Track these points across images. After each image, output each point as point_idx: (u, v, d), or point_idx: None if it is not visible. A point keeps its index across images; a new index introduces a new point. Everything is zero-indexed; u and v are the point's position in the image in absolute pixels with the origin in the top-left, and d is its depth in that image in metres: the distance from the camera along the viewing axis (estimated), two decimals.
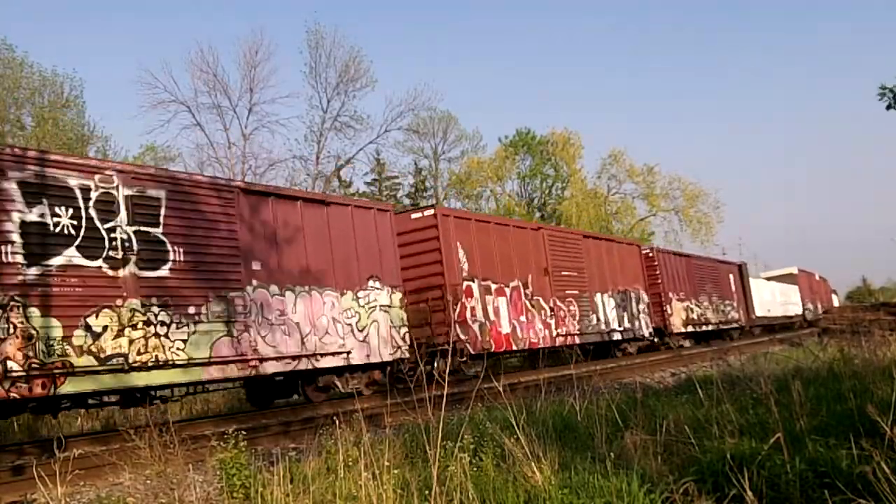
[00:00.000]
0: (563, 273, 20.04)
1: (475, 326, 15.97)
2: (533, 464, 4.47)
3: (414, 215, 16.36)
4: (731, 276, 34.28)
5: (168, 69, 53.94)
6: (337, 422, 5.50)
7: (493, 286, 16.99)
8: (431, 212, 16.22)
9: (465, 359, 15.44)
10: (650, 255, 26.26)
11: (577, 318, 20.23)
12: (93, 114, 54.24)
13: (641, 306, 24.15)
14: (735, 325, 33.45)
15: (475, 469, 4.77)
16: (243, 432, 5.80)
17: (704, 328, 29.45)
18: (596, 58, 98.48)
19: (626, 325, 22.80)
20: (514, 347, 17.35)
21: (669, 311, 26.08)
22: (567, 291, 19.94)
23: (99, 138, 29.72)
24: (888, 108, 7.92)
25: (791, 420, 5.33)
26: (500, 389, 6.27)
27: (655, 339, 25.65)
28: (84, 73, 64.73)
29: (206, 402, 17.13)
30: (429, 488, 4.20)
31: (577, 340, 19.70)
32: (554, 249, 19.87)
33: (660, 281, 25.88)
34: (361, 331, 13.28)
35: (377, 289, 13.76)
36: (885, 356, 8.47)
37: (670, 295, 26.43)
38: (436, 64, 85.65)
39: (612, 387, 11.72)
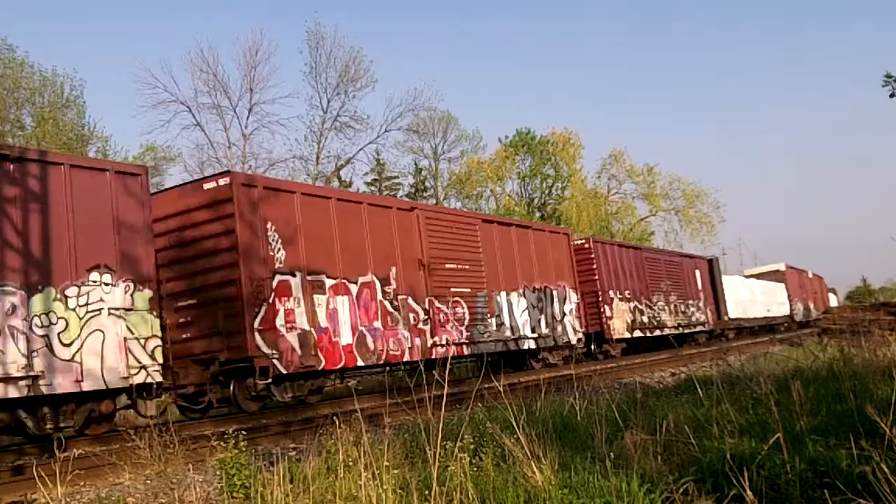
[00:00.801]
0: (448, 266, 15.88)
1: (292, 336, 12.09)
2: (533, 464, 4.47)
3: (206, 185, 12.16)
4: (696, 273, 30.42)
5: (168, 69, 54.12)
6: (337, 422, 5.50)
7: (329, 282, 12.98)
8: (226, 180, 11.92)
9: (268, 380, 11.56)
10: (585, 246, 22.60)
11: (467, 322, 16.10)
12: (93, 114, 54.34)
13: (568, 307, 20.07)
14: (701, 328, 29.61)
15: (475, 469, 4.77)
16: (243, 432, 5.81)
17: (658, 332, 25.17)
18: (596, 58, 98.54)
19: (544, 330, 18.70)
20: (361, 363, 13.32)
21: (609, 313, 22.19)
22: (453, 289, 15.77)
23: (99, 138, 29.79)
24: (892, 95, 7.92)
25: (791, 420, 5.33)
26: (500, 389, 6.28)
27: (592, 347, 22.08)
28: (84, 73, 64.81)
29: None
30: (429, 488, 4.20)
31: (466, 351, 16.04)
32: (434, 236, 15.71)
33: (597, 277, 22.04)
34: (67, 345, 9.33)
35: (106, 284, 9.83)
36: (885, 356, 8.47)
37: (611, 294, 22.63)
38: (436, 64, 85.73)
39: (612, 387, 11.73)
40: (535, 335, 18.42)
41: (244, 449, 5.35)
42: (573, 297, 20.52)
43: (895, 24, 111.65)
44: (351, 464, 4.72)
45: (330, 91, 34.09)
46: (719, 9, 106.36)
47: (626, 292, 23.74)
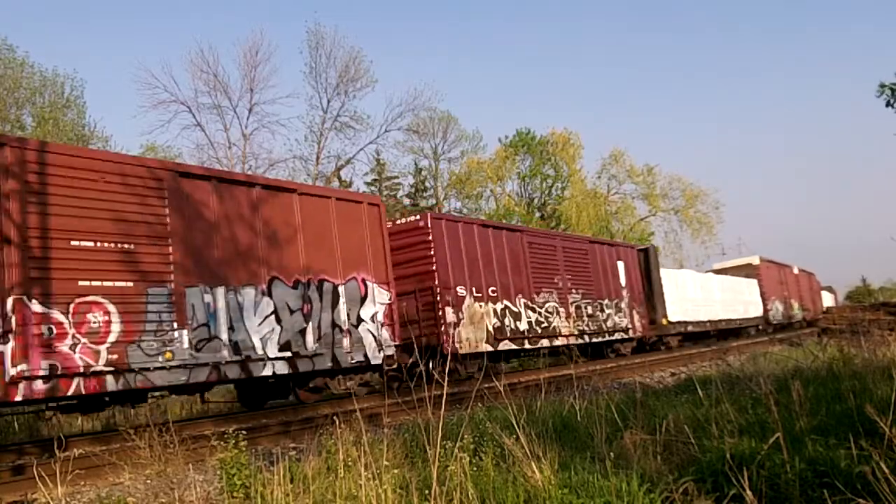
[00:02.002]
0: (79, 244, 9.40)
1: None
2: (533, 463, 4.47)
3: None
4: (619, 266, 23.73)
5: (168, 69, 54.19)
6: (337, 421, 5.51)
7: None
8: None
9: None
10: (420, 223, 16.00)
11: (116, 338, 9.50)
12: (93, 114, 54.34)
13: (369, 311, 13.41)
14: (623, 335, 22.93)
15: (475, 469, 4.77)
16: (243, 432, 5.81)
17: (545, 342, 18.76)
18: (596, 58, 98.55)
19: (311, 347, 12.09)
20: None
21: (452, 318, 15.56)
22: (84, 282, 9.29)
23: (99, 138, 29.78)
24: (888, 105, 7.96)
25: (791, 420, 5.33)
26: (501, 389, 6.28)
27: (430, 365, 14.07)
28: (84, 73, 64.71)
29: (207, 402, 17.14)
30: (428, 488, 4.21)
31: (114, 385, 9.39)
32: (40, 192, 9.18)
33: (434, 268, 15.60)
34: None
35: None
36: (885, 356, 8.47)
37: (459, 291, 16.06)
38: (436, 64, 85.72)
39: (612, 387, 11.73)
40: (289, 355, 11.71)
41: (244, 448, 5.35)
42: (381, 296, 13.81)
43: (895, 24, 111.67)
44: (351, 463, 4.73)
45: (330, 91, 34.09)
46: (719, 9, 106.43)
47: (491, 289, 17.12)
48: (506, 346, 17.32)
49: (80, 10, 66.66)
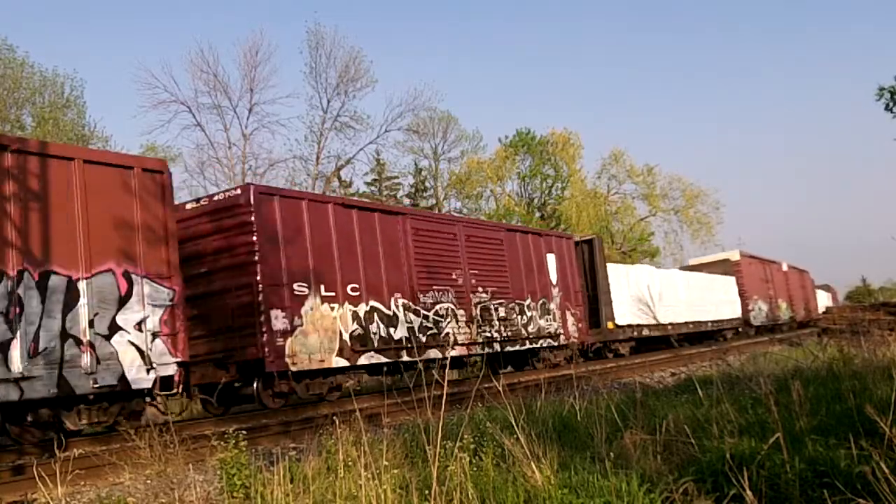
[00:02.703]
0: None
1: None
2: (532, 463, 4.47)
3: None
4: (550, 260, 19.91)
5: (168, 69, 54.15)
6: (337, 422, 5.51)
7: None
8: None
9: None
10: (239, 201, 12.14)
11: None
12: (93, 114, 54.40)
13: (130, 317, 9.91)
14: (551, 342, 19.17)
15: (475, 469, 4.78)
16: (243, 432, 5.81)
17: (434, 353, 14.87)
18: (596, 58, 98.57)
19: (19, 368, 8.64)
20: None
21: (279, 325, 11.92)
22: None
23: (99, 138, 29.83)
24: (887, 108, 7.98)
25: (790, 420, 5.33)
26: (500, 389, 6.28)
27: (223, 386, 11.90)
28: (84, 73, 64.81)
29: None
30: (428, 488, 4.21)
31: None
32: None
33: (257, 258, 11.86)
34: None
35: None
36: (885, 356, 8.48)
37: (297, 289, 12.39)
38: (436, 64, 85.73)
39: (612, 387, 11.74)
40: None
41: (244, 448, 5.35)
42: (157, 295, 10.24)
43: (895, 24, 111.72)
44: (351, 464, 4.73)
45: (330, 91, 34.09)
46: (719, 9, 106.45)
47: (351, 287, 13.38)
48: (371, 358, 13.51)
49: (80, 10, 66.72)
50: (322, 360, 12.58)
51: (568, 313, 20.35)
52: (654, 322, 25.09)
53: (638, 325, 24.81)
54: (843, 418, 5.36)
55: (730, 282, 33.81)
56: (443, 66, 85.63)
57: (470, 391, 7.77)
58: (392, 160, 45.09)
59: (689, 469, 4.51)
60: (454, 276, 16.23)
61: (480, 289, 16.92)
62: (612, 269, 24.05)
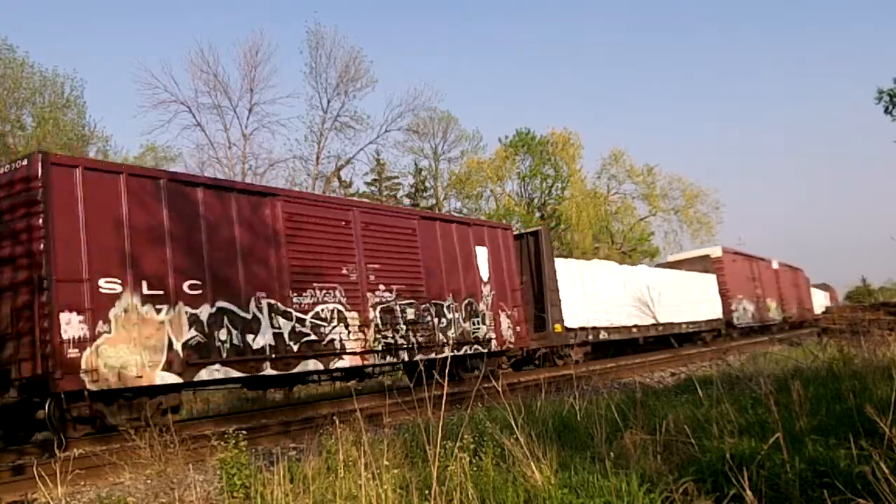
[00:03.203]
0: None
1: None
2: (532, 463, 4.47)
3: None
4: (481, 253, 17.26)
5: (168, 69, 54.15)
6: (337, 421, 5.51)
7: None
8: None
9: None
10: (30, 174, 9.50)
11: None
12: (93, 114, 54.41)
13: None
14: (480, 348, 16.44)
15: (475, 469, 4.78)
16: (243, 432, 5.81)
17: (314, 365, 12.58)
18: (596, 58, 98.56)
19: None
20: None
21: (73, 332, 9.31)
22: None
23: (99, 138, 29.84)
24: (886, 111, 7.99)
25: (790, 420, 5.33)
26: (500, 389, 6.28)
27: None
28: (84, 73, 64.79)
29: (207, 402, 17.14)
30: (428, 488, 4.21)
31: None
32: None
33: (45, 247, 9.30)
34: None
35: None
36: (885, 356, 8.48)
37: (104, 286, 9.78)
38: (436, 64, 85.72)
39: (612, 387, 11.73)
40: None
41: (244, 448, 5.35)
42: None
43: (895, 24, 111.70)
44: (351, 463, 4.73)
45: (330, 91, 34.10)
46: (719, 9, 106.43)
47: (190, 284, 10.78)
48: (215, 373, 10.85)
49: (80, 10, 66.70)
50: (140, 377, 9.87)
51: (503, 315, 17.37)
52: (614, 324, 22.97)
53: (594, 328, 21.99)
54: (843, 418, 5.36)
55: (709, 280, 30.77)
56: (443, 66, 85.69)
57: (470, 391, 7.76)
58: (392, 160, 45.19)
59: (689, 469, 4.51)
60: (345, 272, 13.49)
61: (382, 287, 14.19)
62: (563, 265, 21.36)
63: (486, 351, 16.69)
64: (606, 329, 22.78)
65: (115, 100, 67.35)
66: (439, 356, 14.89)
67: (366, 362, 13.62)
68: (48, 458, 7.55)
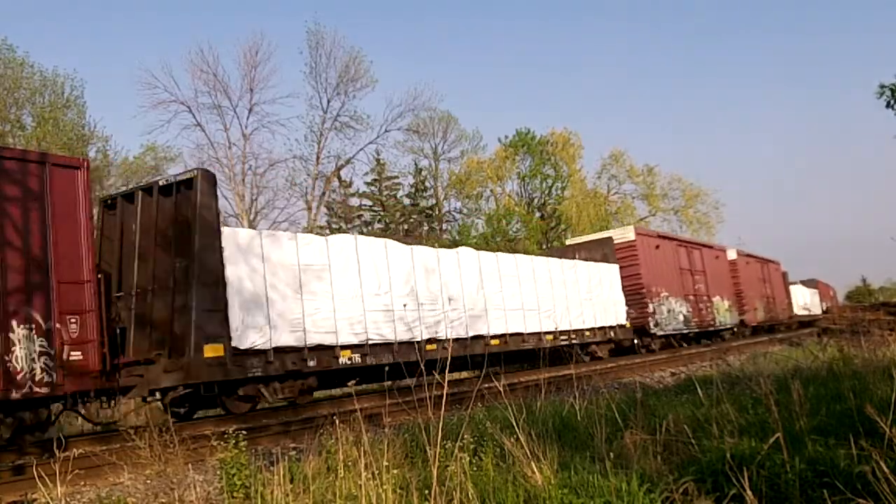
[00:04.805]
0: None
1: None
2: (533, 463, 4.47)
3: None
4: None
5: (168, 69, 53.93)
6: (337, 422, 5.51)
7: None
8: None
9: None
10: None
11: None
12: (93, 114, 54.34)
13: None
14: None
15: (475, 469, 4.78)
16: (243, 432, 5.81)
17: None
18: (596, 58, 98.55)
19: None
20: None
21: None
22: None
23: (99, 138, 29.82)
24: (888, 106, 7.98)
25: (791, 420, 5.33)
26: (500, 389, 6.28)
27: None
28: (84, 73, 64.75)
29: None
30: (428, 488, 4.21)
31: None
32: None
33: None
34: None
35: None
36: (885, 356, 8.48)
37: None
38: (436, 64, 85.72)
39: (612, 387, 11.73)
40: None
41: (244, 449, 5.35)
42: None
43: (895, 25, 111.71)
44: (351, 463, 4.73)
45: (330, 91, 34.12)
46: (719, 9, 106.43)
47: None
48: None
49: (80, 10, 66.69)
50: None
51: (21, 335, 9.19)
52: (368, 339, 13.35)
53: (326, 348, 12.67)
54: (843, 418, 5.36)
55: (609, 272, 22.22)
56: (443, 66, 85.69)
57: (471, 391, 7.76)
58: (392, 160, 44.97)
59: (689, 469, 4.51)
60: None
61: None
62: (248, 238, 12.06)
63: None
64: (352, 348, 13.13)
65: (115, 100, 67.41)
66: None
67: None
68: (48, 458, 7.55)
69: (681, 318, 25.69)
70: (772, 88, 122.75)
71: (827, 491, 3.87)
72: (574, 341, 19.27)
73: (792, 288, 43.09)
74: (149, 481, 6.57)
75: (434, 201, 44.22)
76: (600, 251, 23.22)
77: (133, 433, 6.85)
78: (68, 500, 6.40)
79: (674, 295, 25.60)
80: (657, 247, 25.64)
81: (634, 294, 23.41)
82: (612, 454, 4.77)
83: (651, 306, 23.77)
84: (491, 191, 45.88)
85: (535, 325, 18.17)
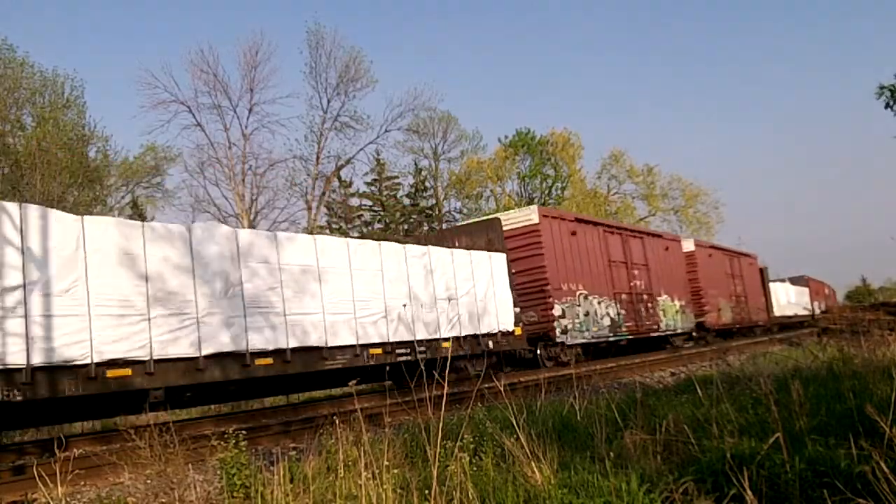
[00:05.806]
0: None
1: None
2: (533, 463, 4.47)
3: None
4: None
5: (168, 69, 54.05)
6: (337, 421, 5.51)
7: None
8: None
9: None
10: None
11: None
12: (93, 114, 54.38)
13: None
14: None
15: (475, 469, 4.78)
16: (243, 432, 5.81)
17: None
18: (596, 58, 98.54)
19: None
20: None
21: None
22: None
23: (99, 138, 29.83)
24: (887, 106, 7.98)
25: (790, 420, 5.33)
26: (501, 389, 6.28)
27: None
28: (84, 73, 64.73)
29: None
30: (429, 488, 4.21)
31: None
32: None
33: None
34: None
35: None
36: (885, 356, 8.47)
37: None
38: (436, 64, 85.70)
39: (612, 386, 11.73)
40: None
41: (244, 448, 5.35)
42: None
43: (895, 24, 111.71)
44: (351, 463, 4.73)
45: (330, 91, 34.14)
46: (719, 9, 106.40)
47: None
48: None
49: (80, 10, 66.69)
50: None
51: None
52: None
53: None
54: (843, 418, 5.36)
55: (489, 263, 16.31)
56: (443, 65, 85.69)
57: (471, 391, 7.76)
58: (392, 160, 44.98)
59: (689, 469, 4.51)
60: None
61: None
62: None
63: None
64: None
65: (115, 100, 67.44)
66: None
67: None
68: (48, 458, 7.55)
69: (606, 322, 21.01)
70: (772, 87, 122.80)
71: (827, 491, 3.87)
72: (422, 355, 13.56)
73: (773, 285, 38.70)
74: (149, 481, 6.57)
75: (434, 201, 44.23)
76: (484, 236, 17.74)
77: (133, 433, 6.85)
78: (68, 500, 6.40)
79: (596, 293, 20.81)
80: (573, 233, 20.39)
81: (536, 292, 18.59)
82: (611, 454, 4.77)
83: (559, 307, 18.94)
84: (491, 191, 45.95)
85: (349, 336, 12.64)
